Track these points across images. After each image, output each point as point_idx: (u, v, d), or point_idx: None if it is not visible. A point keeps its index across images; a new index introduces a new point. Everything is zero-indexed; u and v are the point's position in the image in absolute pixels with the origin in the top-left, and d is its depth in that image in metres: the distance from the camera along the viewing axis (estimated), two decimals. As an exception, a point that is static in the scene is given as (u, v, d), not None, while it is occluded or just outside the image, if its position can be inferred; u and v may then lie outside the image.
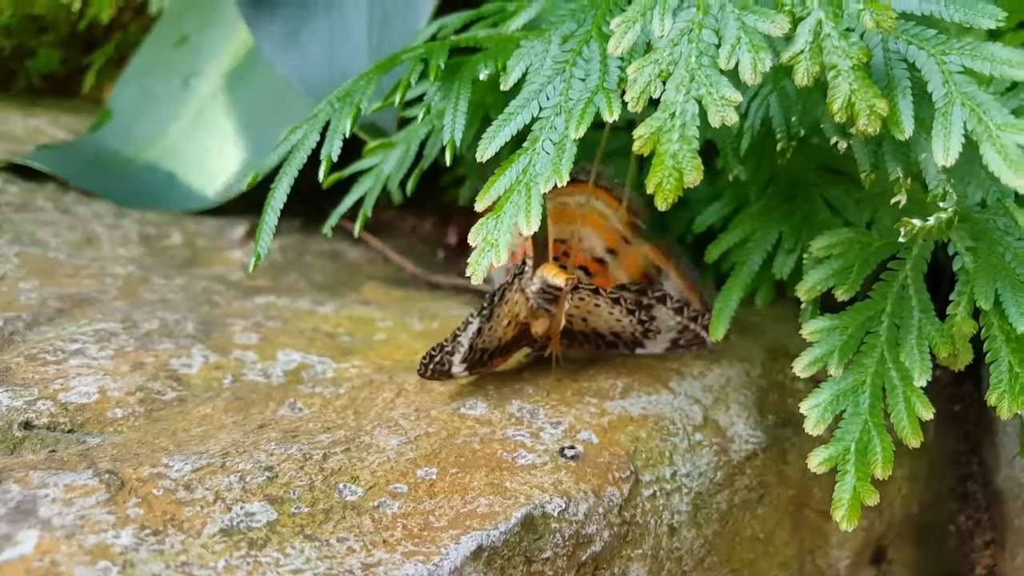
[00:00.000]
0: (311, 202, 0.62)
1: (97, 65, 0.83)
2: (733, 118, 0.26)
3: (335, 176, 0.39)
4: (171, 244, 0.56)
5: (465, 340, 0.35)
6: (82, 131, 0.70)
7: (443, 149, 0.36)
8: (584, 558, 0.31)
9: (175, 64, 0.71)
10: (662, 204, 0.27)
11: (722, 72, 0.27)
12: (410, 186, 0.38)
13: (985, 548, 0.49)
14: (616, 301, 0.38)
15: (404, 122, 0.43)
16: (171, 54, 0.72)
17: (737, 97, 0.26)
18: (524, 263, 0.37)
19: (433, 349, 0.36)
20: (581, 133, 0.29)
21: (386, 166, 0.38)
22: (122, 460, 0.30)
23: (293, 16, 0.52)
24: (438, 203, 0.70)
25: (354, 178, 0.41)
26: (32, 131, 0.69)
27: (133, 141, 0.68)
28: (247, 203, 0.61)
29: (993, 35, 0.33)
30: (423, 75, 0.35)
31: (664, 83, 0.27)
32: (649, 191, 0.27)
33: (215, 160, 0.64)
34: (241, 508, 0.28)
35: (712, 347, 0.41)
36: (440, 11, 0.48)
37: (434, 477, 0.31)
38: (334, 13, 0.51)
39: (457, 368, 0.36)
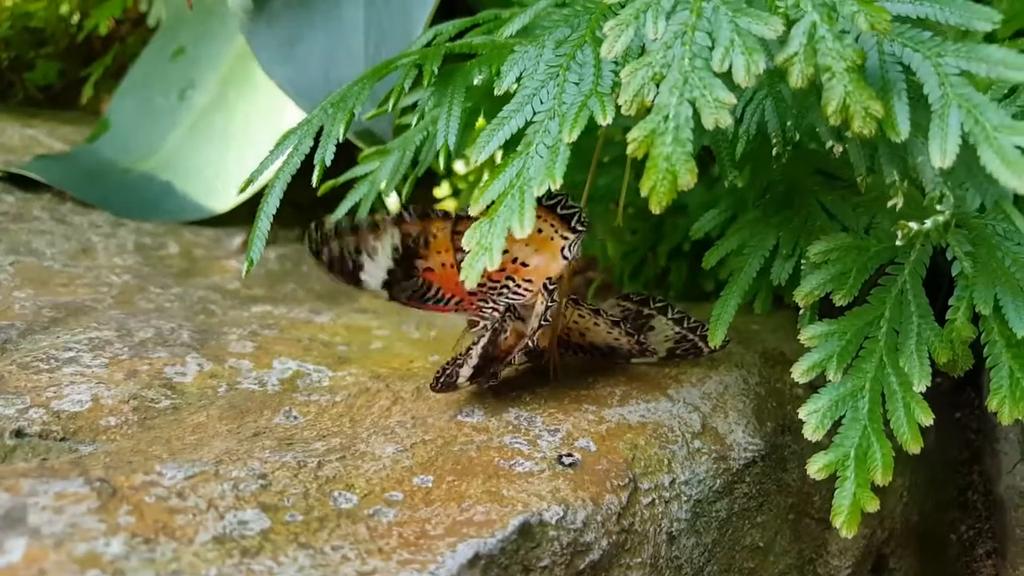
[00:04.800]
0: (309, 213, 0.62)
1: (95, 77, 0.83)
2: (727, 120, 0.26)
3: (330, 183, 0.39)
4: (168, 254, 0.56)
5: (476, 353, 0.35)
6: (79, 142, 0.70)
7: (438, 155, 0.36)
8: (582, 566, 0.31)
9: (172, 76, 0.71)
10: (656, 208, 0.27)
11: (716, 75, 0.27)
12: (405, 191, 0.38)
13: (987, 558, 0.48)
14: (616, 324, 0.38)
15: (401, 129, 0.42)
16: (168, 66, 0.72)
17: (731, 99, 0.26)
18: (554, 282, 0.36)
19: (447, 366, 0.36)
20: (575, 137, 0.29)
21: (381, 173, 0.38)
22: (114, 468, 0.29)
23: (290, 28, 0.52)
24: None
25: (351, 186, 0.41)
26: (29, 141, 0.69)
27: (130, 151, 0.67)
28: (245, 213, 0.61)
29: (989, 40, 0.33)
30: (418, 82, 0.35)
31: (658, 86, 0.27)
32: (643, 195, 0.27)
33: (212, 170, 0.64)
34: (234, 516, 0.28)
35: (708, 354, 0.41)
36: (436, 21, 0.48)
37: (430, 485, 0.31)
38: (331, 25, 0.51)
39: (462, 379, 0.36)
